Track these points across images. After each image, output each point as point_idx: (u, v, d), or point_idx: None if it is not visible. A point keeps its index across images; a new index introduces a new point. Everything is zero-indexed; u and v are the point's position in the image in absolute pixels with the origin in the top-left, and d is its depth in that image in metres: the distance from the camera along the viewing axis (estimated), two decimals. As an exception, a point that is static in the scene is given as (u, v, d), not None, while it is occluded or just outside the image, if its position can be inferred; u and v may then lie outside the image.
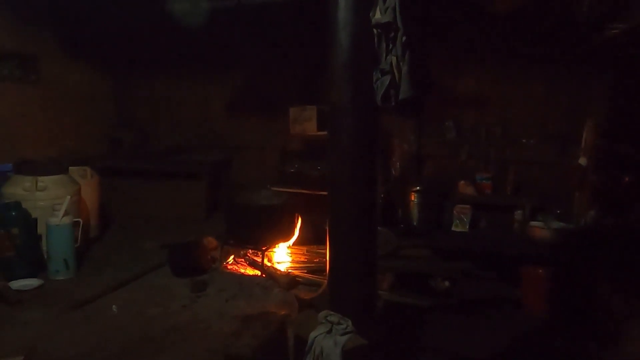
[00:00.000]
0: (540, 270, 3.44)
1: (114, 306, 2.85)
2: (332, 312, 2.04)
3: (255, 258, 3.50)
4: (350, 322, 2.00)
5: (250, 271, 3.43)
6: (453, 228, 4.60)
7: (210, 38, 5.24)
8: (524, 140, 4.66)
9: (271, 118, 5.39)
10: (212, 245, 3.64)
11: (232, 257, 3.60)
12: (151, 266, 3.52)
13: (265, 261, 3.41)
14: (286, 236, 3.60)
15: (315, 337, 1.97)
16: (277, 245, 3.59)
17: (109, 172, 4.89)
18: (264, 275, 3.29)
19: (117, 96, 6.06)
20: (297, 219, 3.68)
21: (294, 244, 3.73)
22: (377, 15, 1.96)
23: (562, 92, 4.54)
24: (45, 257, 3.37)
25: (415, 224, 4.67)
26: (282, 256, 3.63)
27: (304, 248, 3.77)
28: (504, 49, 4.49)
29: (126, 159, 5.43)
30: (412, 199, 4.67)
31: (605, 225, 3.98)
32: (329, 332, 1.97)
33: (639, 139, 3.98)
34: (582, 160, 4.19)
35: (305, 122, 4.62)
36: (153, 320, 2.74)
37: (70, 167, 3.94)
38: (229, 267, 3.50)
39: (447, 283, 3.63)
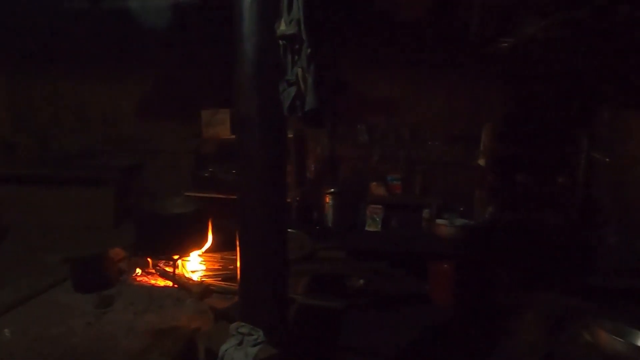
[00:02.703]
0: (446, 266, 3.67)
1: (6, 330, 2.62)
2: (243, 324, 2.03)
3: (167, 268, 3.38)
4: (261, 333, 2.00)
5: (162, 282, 3.31)
6: (366, 228, 4.77)
7: (117, 36, 4.98)
8: (429, 143, 4.93)
9: (184, 121, 5.24)
10: (120, 257, 3.46)
11: (141, 268, 3.45)
12: (52, 282, 3.28)
13: (177, 271, 3.31)
14: (200, 244, 3.51)
15: (226, 350, 1.96)
16: (190, 254, 3.49)
17: (3, 179, 4.50)
18: (176, 286, 3.19)
19: (13, 97, 5.57)
20: (211, 225, 3.61)
21: (208, 251, 3.66)
22: (282, 27, 1.97)
23: (464, 98, 4.87)
24: None
25: (330, 225, 4.77)
26: (196, 265, 3.55)
27: (219, 255, 3.71)
28: (410, 56, 4.72)
29: (23, 165, 5.04)
30: (327, 200, 4.78)
31: (501, 220, 4.34)
32: (240, 344, 1.97)
33: (528, 142, 4.39)
34: (481, 161, 4.54)
35: (218, 126, 4.56)
36: (53, 341, 2.55)
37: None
38: (138, 278, 3.36)
39: (361, 282, 3.76)
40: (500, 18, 3.42)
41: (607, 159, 4.23)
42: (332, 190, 4.79)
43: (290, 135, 4.48)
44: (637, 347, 2.47)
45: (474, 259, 3.82)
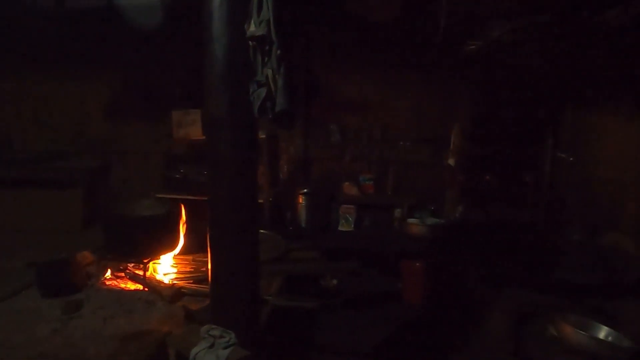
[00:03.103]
0: (417, 264, 3.72)
1: (-32, 338, 2.53)
2: (214, 326, 2.01)
3: (137, 271, 3.32)
4: (233, 335, 1.99)
5: (132, 286, 3.25)
6: (339, 228, 4.80)
7: (84, 35, 4.87)
8: (401, 143, 5.00)
9: (155, 121, 5.16)
10: (88, 260, 3.37)
11: (110, 272, 3.38)
12: (16, 287, 3.17)
13: (148, 274, 3.26)
14: (171, 246, 3.47)
15: (197, 353, 1.94)
16: (161, 257, 3.44)
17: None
18: (146, 289, 3.14)
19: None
20: (182, 227, 3.56)
21: (179, 254, 3.61)
22: (252, 28, 1.97)
23: (434, 98, 4.96)
24: None
25: (303, 225, 4.78)
26: (167, 267, 3.50)
27: (190, 257, 3.67)
28: (382, 57, 4.77)
29: (-16, 167, 4.85)
30: (300, 201, 4.78)
31: (470, 219, 4.43)
32: (211, 347, 1.95)
33: (496, 142, 4.49)
34: (451, 161, 4.62)
35: (189, 126, 4.50)
36: (16, 350, 2.46)
37: None
38: (108, 282, 3.29)
39: (335, 281, 3.78)
40: (467, 21, 3.49)
41: (571, 159, 4.37)
42: (305, 190, 4.80)
43: (262, 136, 4.47)
44: (600, 340, 2.56)
45: (444, 258, 3.88)
